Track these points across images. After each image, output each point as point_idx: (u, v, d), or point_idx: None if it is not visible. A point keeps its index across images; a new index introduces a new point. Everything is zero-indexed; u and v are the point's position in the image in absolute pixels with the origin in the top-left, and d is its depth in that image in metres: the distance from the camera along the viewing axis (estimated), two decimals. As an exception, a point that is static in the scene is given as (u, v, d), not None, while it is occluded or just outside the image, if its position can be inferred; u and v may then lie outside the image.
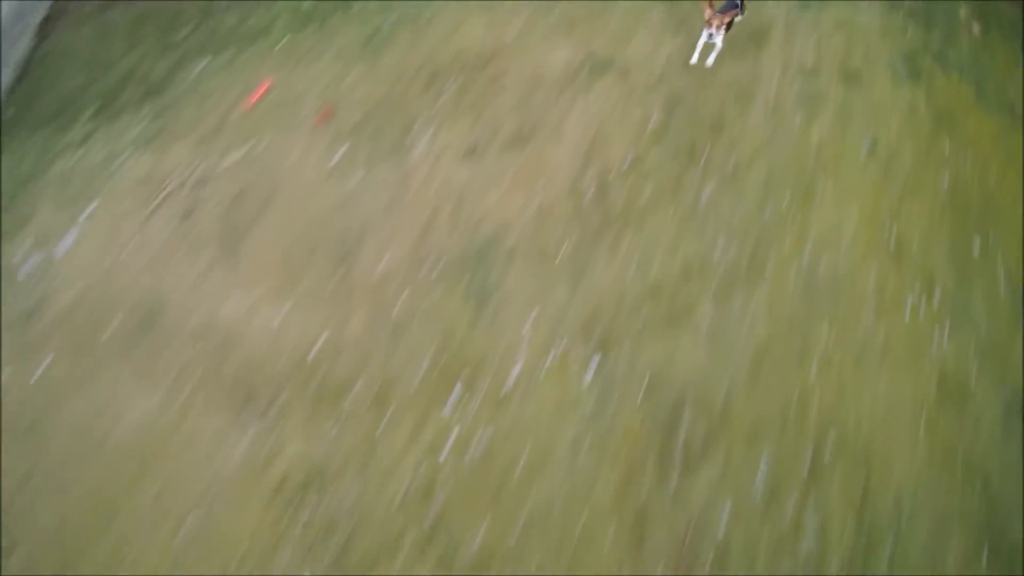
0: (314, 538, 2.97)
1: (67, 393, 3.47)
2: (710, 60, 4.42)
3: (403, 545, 2.91)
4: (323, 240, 3.78)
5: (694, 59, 4.44)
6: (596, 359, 3.35)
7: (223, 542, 3.01)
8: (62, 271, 3.88)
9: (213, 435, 3.25)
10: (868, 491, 3.06)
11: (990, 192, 4.05)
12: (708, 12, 4.21)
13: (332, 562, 2.91)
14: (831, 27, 4.90)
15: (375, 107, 4.31)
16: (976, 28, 5.01)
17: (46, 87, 4.86)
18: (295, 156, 4.12)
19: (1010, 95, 4.48)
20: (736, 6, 4.33)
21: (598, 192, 3.88)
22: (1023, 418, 3.21)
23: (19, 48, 5.06)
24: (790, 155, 4.05)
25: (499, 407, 3.21)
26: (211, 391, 3.36)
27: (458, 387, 3.28)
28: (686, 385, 3.28)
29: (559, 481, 3.05)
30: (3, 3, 4.95)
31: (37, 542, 3.06)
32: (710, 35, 4.22)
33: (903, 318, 3.55)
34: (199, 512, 3.07)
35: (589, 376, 3.29)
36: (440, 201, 3.88)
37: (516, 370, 3.29)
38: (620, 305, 3.50)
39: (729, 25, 4.29)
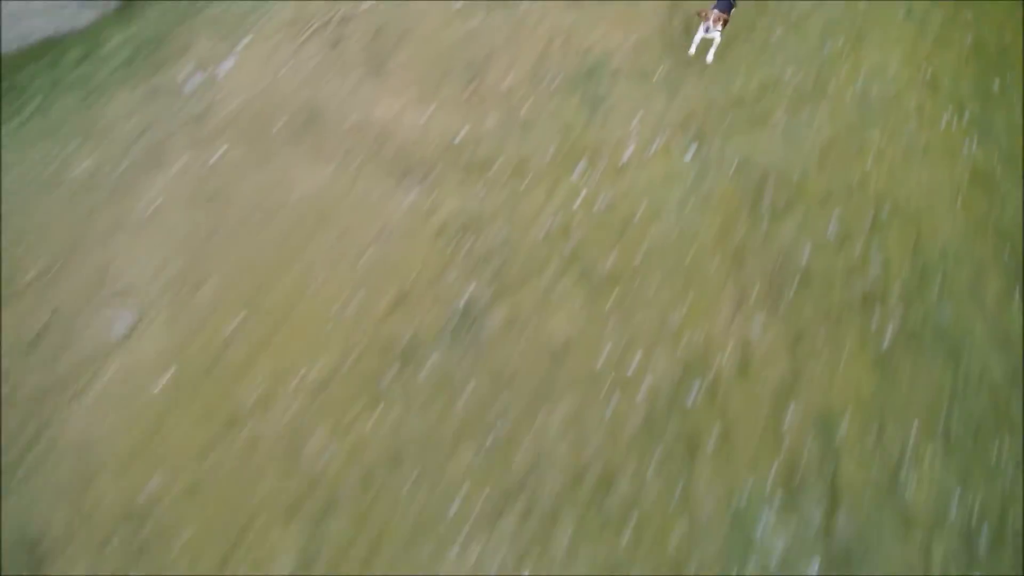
0: (475, 263, 3.70)
1: (245, 171, 4.19)
2: (709, 56, 4.39)
3: (549, 266, 3.66)
4: (455, 63, 4.54)
5: (691, 51, 4.44)
6: (694, 146, 4.13)
7: (398, 267, 3.73)
8: (225, 87, 4.60)
9: (380, 196, 3.98)
10: (919, 242, 3.86)
11: (1006, 47, 4.93)
12: (704, 11, 4.29)
13: (491, 278, 3.64)
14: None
15: (488, -32, 5.17)
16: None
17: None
18: (423, 2, 4.94)
19: (1019, -21, 5.46)
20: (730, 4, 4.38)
21: (684, 30, 4.69)
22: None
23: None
24: (842, 12, 4.88)
25: (617, 175, 3.97)
26: (374, 167, 4.09)
27: (582, 162, 4.05)
28: (768, 167, 4.07)
29: (670, 225, 3.82)
30: None
31: (228, 275, 3.77)
32: (707, 29, 4.25)
33: (939, 129, 4.38)
34: (375, 247, 3.79)
35: (689, 156, 4.07)
36: (551, 36, 4.65)
37: (628, 151, 4.07)
38: (710, 111, 4.29)
39: (725, 22, 4.32)
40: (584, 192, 3.88)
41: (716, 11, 4.27)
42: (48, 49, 5.04)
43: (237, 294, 3.69)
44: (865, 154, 4.12)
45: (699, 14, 4.34)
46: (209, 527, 3.08)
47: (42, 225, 4.12)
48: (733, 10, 4.47)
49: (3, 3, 4.78)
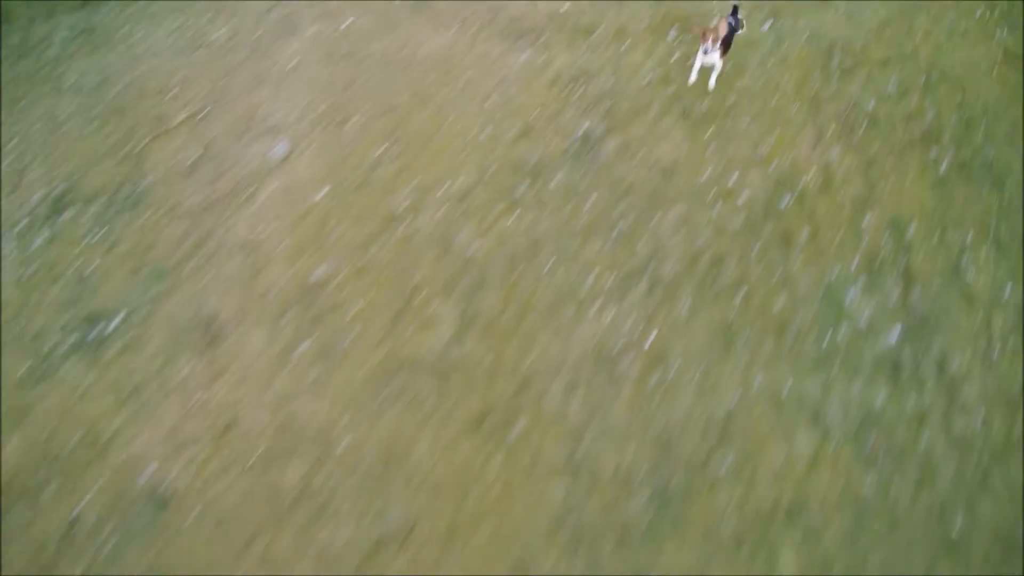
0: (587, 105, 4.16)
1: (373, 36, 4.61)
2: (712, 82, 4.18)
3: (653, 107, 4.10)
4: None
5: (692, 77, 4.23)
6: (770, 21, 4.60)
7: (520, 108, 4.17)
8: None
9: (498, 54, 4.42)
10: (964, 100, 4.39)
11: (1028, -39, 5.67)
12: (696, 29, 4.13)
13: (603, 116, 4.09)
14: None
15: None
16: None
17: None
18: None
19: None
20: (730, 22, 4.16)
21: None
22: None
23: None
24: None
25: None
26: (490, 32, 4.52)
27: (673, 30, 4.51)
28: (834, 38, 4.57)
29: (755, 78, 4.28)
30: None
31: (369, 114, 4.19)
32: (705, 51, 3.99)
33: (975, 18, 4.89)
34: (497, 93, 4.23)
35: (766, 28, 4.58)
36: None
37: (714, 21, 4.60)
38: (780, -5, 4.95)
39: (727, 45, 4.07)
40: (677, 53, 4.42)
41: (712, 29, 4.03)
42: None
43: (379, 128, 4.15)
44: (914, 33, 4.69)
45: (702, 34, 3.99)
46: (377, 299, 3.53)
47: (186, 79, 4.56)
48: (740, 31, 4.26)
49: None
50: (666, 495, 2.96)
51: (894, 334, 3.37)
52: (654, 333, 3.35)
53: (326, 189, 3.91)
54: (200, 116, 4.33)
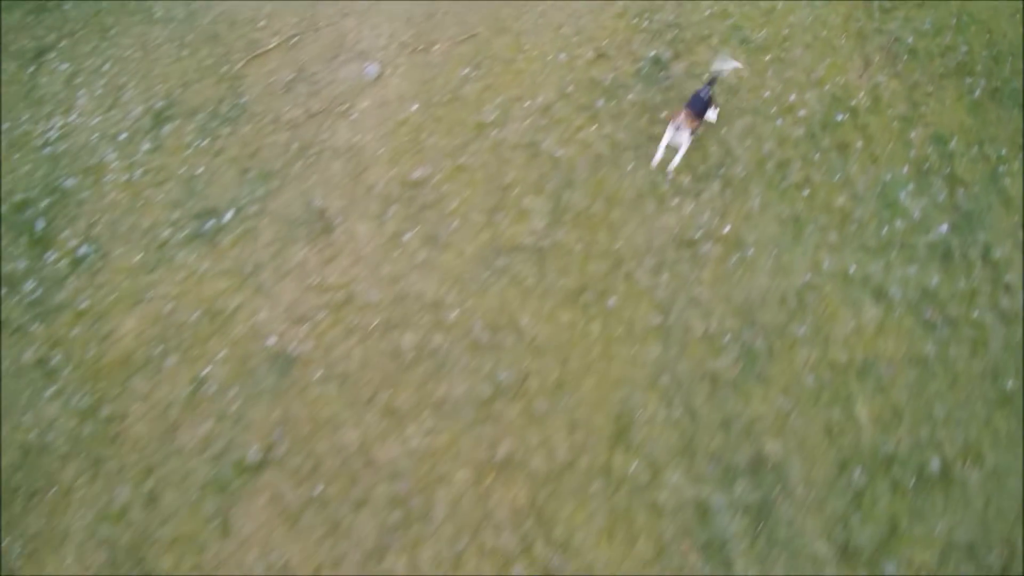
0: (654, 34, 4.50)
1: None
2: (673, 163, 3.91)
3: (714, 36, 4.44)
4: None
5: (655, 161, 3.93)
6: None
7: (592, 36, 4.52)
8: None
9: None
10: (991, 39, 4.80)
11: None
12: (681, 115, 3.73)
13: (669, 43, 4.43)
14: None
15: None
16: None
17: None
18: None
19: None
20: (703, 102, 3.85)
21: None
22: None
23: None
24: None
25: (758, -18, 5.04)
26: None
27: None
28: None
29: (805, 14, 4.63)
30: None
31: (451, 41, 4.52)
32: (677, 127, 3.74)
33: None
34: (569, 23, 4.53)
35: None
36: None
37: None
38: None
39: (699, 117, 3.81)
40: (734, -8, 4.90)
41: (687, 109, 3.78)
42: None
43: (462, 53, 4.49)
44: (944, -16, 5.25)
45: (667, 117, 3.87)
46: (474, 195, 3.85)
47: (273, 11, 4.83)
48: (713, 110, 4.01)
49: None
50: (751, 353, 3.31)
51: (943, 227, 3.78)
52: (730, 224, 3.73)
53: (417, 105, 4.27)
54: (292, 42, 4.67)
